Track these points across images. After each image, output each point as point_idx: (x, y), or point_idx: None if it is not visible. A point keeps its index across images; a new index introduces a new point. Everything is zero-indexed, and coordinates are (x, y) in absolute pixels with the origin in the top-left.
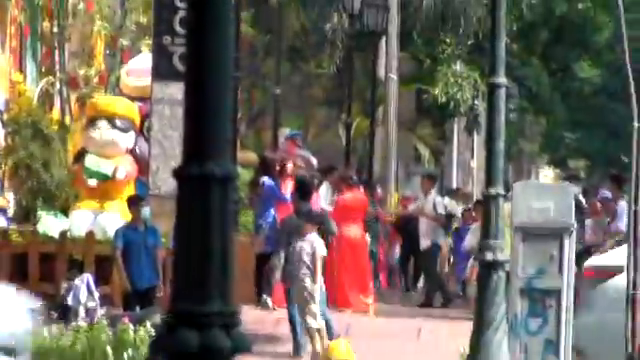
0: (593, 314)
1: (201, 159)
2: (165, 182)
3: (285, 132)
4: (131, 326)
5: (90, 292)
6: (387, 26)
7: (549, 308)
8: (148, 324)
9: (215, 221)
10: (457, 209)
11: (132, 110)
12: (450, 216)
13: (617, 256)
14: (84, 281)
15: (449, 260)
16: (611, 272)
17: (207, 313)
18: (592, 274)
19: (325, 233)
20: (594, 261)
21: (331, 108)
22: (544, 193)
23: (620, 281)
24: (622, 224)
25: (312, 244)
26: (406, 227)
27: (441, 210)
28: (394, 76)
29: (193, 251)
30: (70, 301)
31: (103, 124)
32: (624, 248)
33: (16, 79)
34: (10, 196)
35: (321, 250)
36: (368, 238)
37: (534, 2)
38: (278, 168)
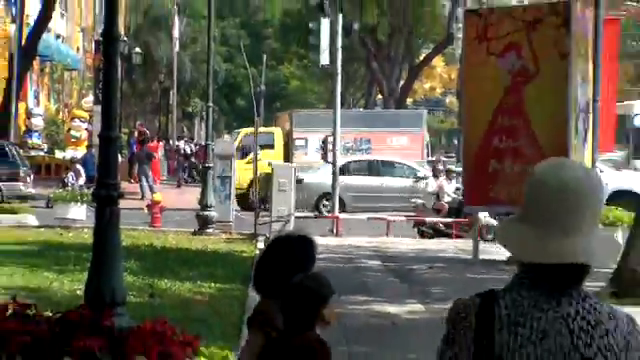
0: None
1: (108, 129)
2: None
3: (138, 121)
4: None
5: None
6: None
7: (227, 184)
8: None
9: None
10: None
11: None
12: None
13: None
14: None
15: None
16: None
17: None
18: None
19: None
20: None
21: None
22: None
23: None
24: None
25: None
26: None
27: None
28: None
29: None
30: None
31: None
32: None
33: None
34: None
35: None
36: None
37: None
38: (136, 135)
